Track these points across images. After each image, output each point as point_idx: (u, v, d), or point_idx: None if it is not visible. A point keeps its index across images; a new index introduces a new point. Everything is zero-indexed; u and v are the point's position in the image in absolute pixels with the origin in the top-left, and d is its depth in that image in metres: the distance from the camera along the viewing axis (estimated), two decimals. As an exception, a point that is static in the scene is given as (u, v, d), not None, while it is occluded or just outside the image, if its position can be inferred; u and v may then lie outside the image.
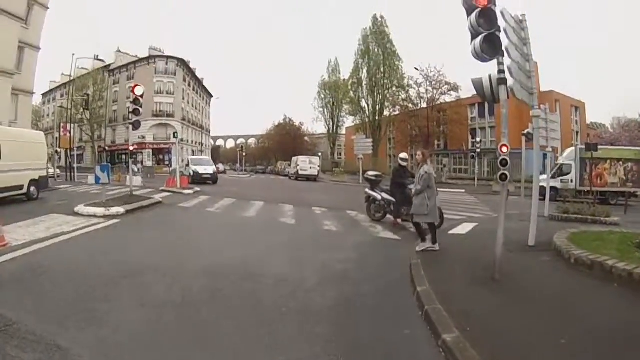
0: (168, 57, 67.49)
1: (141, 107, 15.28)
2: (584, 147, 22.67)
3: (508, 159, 6.09)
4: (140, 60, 67.04)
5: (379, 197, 11.84)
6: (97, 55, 66.37)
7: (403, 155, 11.78)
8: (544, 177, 17.51)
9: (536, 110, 8.28)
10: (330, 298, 5.21)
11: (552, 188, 21.47)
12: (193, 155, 56.24)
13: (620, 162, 24.26)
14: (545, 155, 15.99)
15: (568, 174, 24.06)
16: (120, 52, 69.68)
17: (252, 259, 7.28)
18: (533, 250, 7.90)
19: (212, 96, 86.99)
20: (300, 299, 5.17)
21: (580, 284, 5.79)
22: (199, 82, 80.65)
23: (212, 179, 29.61)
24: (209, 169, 30.46)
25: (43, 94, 72.07)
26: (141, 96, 15.37)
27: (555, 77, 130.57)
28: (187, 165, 31.39)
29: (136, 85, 15.86)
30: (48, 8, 30.29)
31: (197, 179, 28.10)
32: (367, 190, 12.28)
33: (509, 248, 7.28)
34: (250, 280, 5.85)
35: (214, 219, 12.76)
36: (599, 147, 22.50)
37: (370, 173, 12.85)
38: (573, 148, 25.21)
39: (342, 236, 9.94)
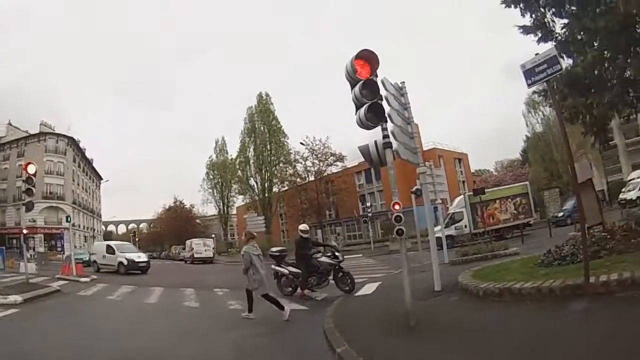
0: (58, 135, 62.84)
1: (34, 186, 14.41)
2: (471, 193, 24.86)
3: (402, 215, 6.51)
4: (31, 136, 61.42)
5: (286, 272, 11.65)
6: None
7: (303, 227, 11.92)
8: (438, 227, 18.77)
9: (422, 168, 9.01)
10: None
11: (447, 236, 22.71)
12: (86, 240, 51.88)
13: (509, 199, 26.90)
14: (435, 208, 17.18)
15: (461, 220, 26.07)
16: (11, 126, 63.39)
17: (162, 344, 6.89)
18: (441, 294, 8.30)
19: (101, 179, 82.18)
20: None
21: (494, 312, 6.18)
22: (88, 163, 75.82)
23: (146, 268, 26.10)
24: (142, 256, 27.01)
25: None
26: (34, 175, 14.52)
27: (439, 133, 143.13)
28: (110, 252, 26.55)
29: (29, 163, 15.04)
30: None
31: (132, 267, 24.95)
32: (272, 266, 11.90)
33: (418, 296, 7.54)
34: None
35: (115, 306, 12.26)
36: (486, 190, 25.29)
37: (274, 249, 12.74)
38: (461, 197, 27.63)
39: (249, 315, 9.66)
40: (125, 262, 25.01)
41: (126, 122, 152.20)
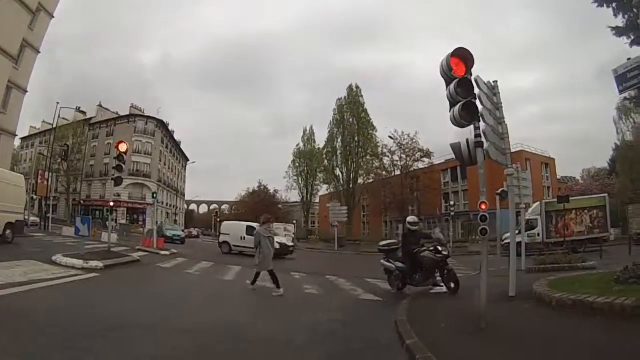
0: (148, 117, 67.97)
1: (124, 163, 15.46)
2: (551, 200, 23.93)
3: (487, 215, 6.46)
4: (121, 117, 67.33)
5: (393, 267, 10.87)
6: (79, 107, 65.98)
7: (411, 218, 11.14)
8: (507, 234, 18.05)
9: (510, 169, 8.78)
10: (322, 356, 5.18)
11: (519, 243, 22.02)
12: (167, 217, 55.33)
13: (586, 210, 25.22)
14: (518, 212, 16.54)
15: (534, 228, 24.82)
16: (102, 107, 69.83)
17: (239, 319, 7.21)
18: (514, 300, 8.14)
19: (187, 160, 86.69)
20: (291, 357, 5.16)
21: (564, 322, 6.06)
22: (176, 144, 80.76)
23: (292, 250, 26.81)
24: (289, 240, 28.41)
25: (22, 138, 70.92)
26: (125, 152, 15.55)
27: (526, 136, 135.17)
28: (251, 234, 28.94)
29: (120, 142, 16.05)
30: (39, 52, 30.70)
31: (283, 252, 23.59)
32: (381, 261, 11.29)
33: (492, 300, 7.46)
34: (237, 340, 5.71)
35: (193, 280, 12.70)
36: (571, 198, 23.71)
37: (382, 243, 11.95)
38: (537, 203, 26.06)
39: (324, 298, 10.03)
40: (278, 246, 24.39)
41: (216, 107, 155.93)
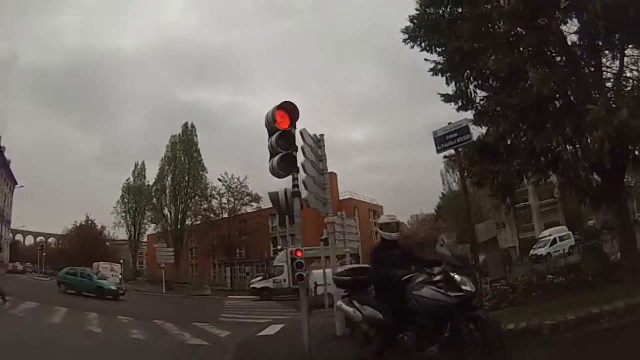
0: None
1: None
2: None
3: (303, 261, 6.89)
4: None
5: (360, 317, 5.65)
6: None
7: (386, 217, 6.25)
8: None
9: (330, 218, 9.46)
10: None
11: (263, 289, 26.98)
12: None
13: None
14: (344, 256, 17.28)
15: (280, 274, 27.14)
16: None
17: None
18: (341, 339, 8.51)
19: (16, 183, 75.79)
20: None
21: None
22: (5, 163, 70.28)
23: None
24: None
25: None
26: None
27: (359, 184, 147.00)
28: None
29: None
30: None
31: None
32: (339, 304, 6.16)
33: (320, 339, 7.67)
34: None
35: (18, 322, 11.70)
36: (308, 249, 26.05)
37: (342, 269, 7.45)
38: (284, 251, 29.25)
39: (150, 344, 9.71)
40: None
41: (51, 125, 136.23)
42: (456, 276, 5.06)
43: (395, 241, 5.92)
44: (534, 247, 31.56)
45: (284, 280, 26.15)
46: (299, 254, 7.03)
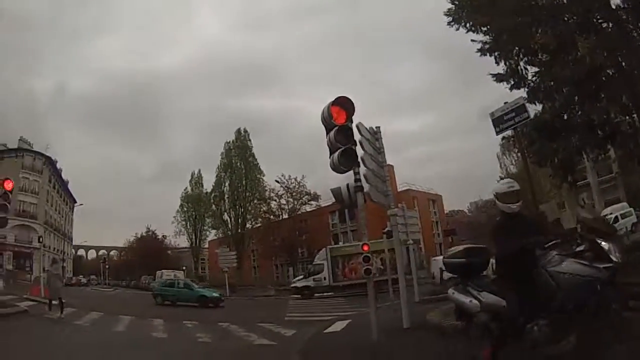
0: (36, 153, 60.83)
1: (10, 203, 13.74)
2: (337, 246, 28.78)
3: (370, 256, 6.75)
4: (9, 150, 58.97)
5: (476, 305, 4.76)
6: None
7: (503, 187, 4.84)
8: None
9: (393, 210, 9.26)
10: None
11: (304, 287, 26.51)
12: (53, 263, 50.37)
13: (375, 254, 27.02)
14: (407, 249, 17.06)
15: (320, 272, 27.06)
16: None
17: None
18: (409, 331, 8.32)
19: (75, 201, 78.88)
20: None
21: (458, 346, 6.27)
22: (64, 184, 73.72)
23: None
24: None
25: None
26: (10, 191, 13.77)
27: (415, 173, 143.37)
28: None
29: (7, 179, 14.04)
30: None
31: None
32: (451, 292, 5.29)
33: (387, 332, 7.58)
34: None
35: (84, 331, 11.75)
36: (347, 245, 28.08)
37: (453, 250, 5.78)
38: (324, 250, 28.71)
39: (217, 345, 9.77)
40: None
41: (104, 146, 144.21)
42: (603, 243, 4.07)
43: (518, 213, 4.80)
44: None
45: (324, 278, 26.54)
46: (366, 247, 6.95)
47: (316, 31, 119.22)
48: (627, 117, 10.04)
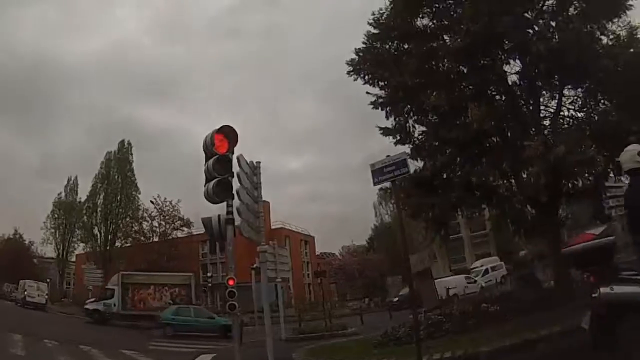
0: None
1: None
2: (131, 273, 28.89)
3: (235, 290, 6.55)
4: None
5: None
6: None
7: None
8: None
9: (262, 247, 9.07)
10: None
11: (94, 310, 25.41)
12: None
13: (167, 287, 28.04)
14: (276, 286, 16.75)
15: (111, 297, 26.47)
16: None
17: None
18: None
19: None
20: None
21: None
22: None
23: None
24: None
25: None
26: None
27: (292, 213, 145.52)
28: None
29: None
30: None
31: None
32: (609, 288, 3.55)
33: None
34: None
35: None
36: (141, 274, 28.64)
37: (583, 244, 3.97)
38: (116, 275, 28.71)
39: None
40: None
41: None
42: None
43: None
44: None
45: (114, 305, 25.68)
46: (231, 282, 6.67)
47: (230, 54, 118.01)
48: (504, 182, 10.74)
